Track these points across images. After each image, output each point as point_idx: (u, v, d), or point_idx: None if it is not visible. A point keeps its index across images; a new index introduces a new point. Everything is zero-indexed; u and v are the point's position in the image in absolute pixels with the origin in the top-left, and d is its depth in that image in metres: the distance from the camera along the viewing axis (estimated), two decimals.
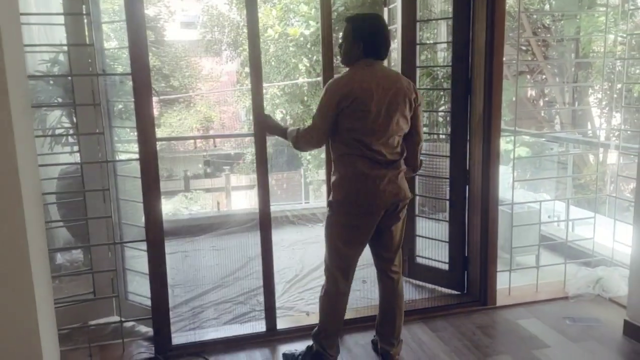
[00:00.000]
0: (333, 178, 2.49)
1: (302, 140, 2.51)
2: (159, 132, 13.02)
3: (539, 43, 9.32)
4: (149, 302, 2.84)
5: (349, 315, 3.19)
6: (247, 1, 2.77)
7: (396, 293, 2.66)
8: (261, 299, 3.54)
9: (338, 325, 2.67)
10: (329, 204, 2.52)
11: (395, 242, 2.60)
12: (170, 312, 2.93)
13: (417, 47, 3.53)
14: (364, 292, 3.65)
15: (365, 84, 2.34)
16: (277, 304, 3.45)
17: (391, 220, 2.53)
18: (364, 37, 2.39)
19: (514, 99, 8.50)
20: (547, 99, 11.16)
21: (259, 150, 2.88)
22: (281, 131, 2.68)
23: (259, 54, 2.83)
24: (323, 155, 5.11)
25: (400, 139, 2.48)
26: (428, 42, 5.42)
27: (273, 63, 10.53)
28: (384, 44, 2.44)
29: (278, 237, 4.80)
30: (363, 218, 2.46)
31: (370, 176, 2.40)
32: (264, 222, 2.98)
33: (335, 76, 2.48)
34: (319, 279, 3.54)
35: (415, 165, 2.60)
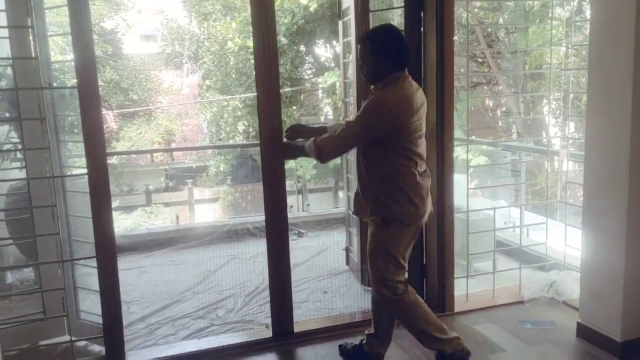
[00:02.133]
0: (384, 193, 2.45)
1: (332, 149, 2.45)
2: (119, 146, 12.78)
3: (494, 55, 9.59)
4: (101, 321, 2.76)
5: (309, 326, 3.19)
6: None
7: None
8: (220, 312, 3.50)
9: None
10: (384, 219, 2.48)
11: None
12: (125, 330, 2.86)
13: None
14: (325, 302, 3.65)
15: (414, 98, 2.37)
16: (236, 317, 3.43)
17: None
18: (389, 52, 2.37)
19: (472, 108, 8.71)
20: (503, 109, 11.47)
21: (265, 163, 2.91)
22: (302, 150, 2.58)
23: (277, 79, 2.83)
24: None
25: None
26: None
27: (234, 75, 10.52)
28: (408, 53, 2.46)
29: (238, 250, 4.77)
30: (415, 228, 2.54)
31: (424, 187, 2.49)
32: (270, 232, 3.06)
33: (385, 90, 2.38)
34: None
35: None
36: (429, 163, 3.25)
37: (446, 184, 3.26)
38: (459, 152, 5.67)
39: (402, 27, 3.38)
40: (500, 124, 10.78)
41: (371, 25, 3.53)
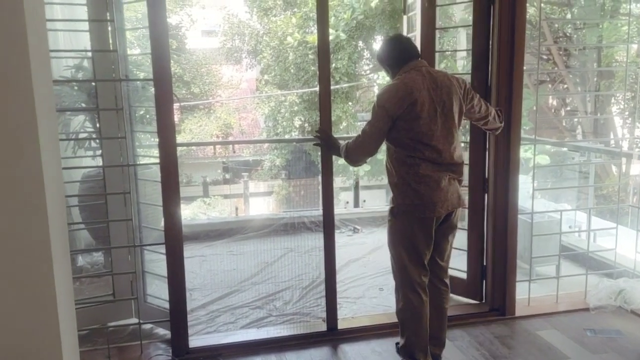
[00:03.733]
0: (393, 183, 2.53)
1: (353, 152, 2.57)
2: (180, 138, 13.18)
3: (561, 52, 9.22)
4: (167, 305, 2.87)
5: (364, 322, 3.20)
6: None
7: (447, 302, 2.74)
8: (278, 304, 3.56)
9: (425, 336, 2.61)
10: (391, 210, 2.55)
11: (449, 250, 2.66)
12: (188, 316, 2.95)
13: (437, 54, 3.53)
14: (381, 299, 3.64)
15: (417, 86, 2.41)
16: (294, 310, 3.48)
17: (449, 227, 2.58)
18: (388, 59, 2.58)
19: (534, 107, 8.42)
20: (568, 108, 11.03)
21: (324, 158, 2.95)
22: (338, 149, 2.71)
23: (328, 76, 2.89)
24: (340, 162, 5.09)
25: (459, 137, 2.55)
26: (448, 50, 5.39)
27: (292, 70, 10.60)
28: (408, 44, 2.58)
29: (295, 243, 4.83)
30: (425, 221, 2.48)
31: (433, 178, 2.44)
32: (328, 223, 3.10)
33: (386, 85, 2.53)
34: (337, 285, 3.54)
35: (499, 118, 2.79)
36: (493, 161, 3.22)
37: (511, 184, 3.18)
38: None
39: (466, 23, 3.32)
40: (564, 123, 10.38)
41: (437, 20, 3.47)
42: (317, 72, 2.89)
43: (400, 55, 2.55)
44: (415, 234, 2.50)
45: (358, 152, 2.57)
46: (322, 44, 2.85)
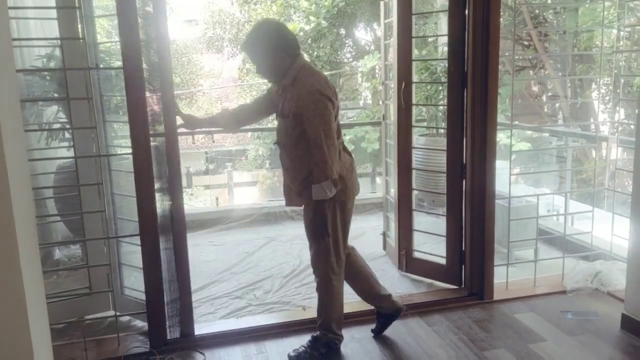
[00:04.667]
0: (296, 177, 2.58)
1: (326, 163, 2.38)
2: (161, 129, 13.03)
3: (541, 38, 9.26)
4: (144, 297, 2.84)
5: (345, 309, 3.20)
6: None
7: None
8: (258, 293, 3.55)
9: (342, 307, 2.80)
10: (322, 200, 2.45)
11: None
12: (166, 307, 2.93)
13: (414, 41, 3.51)
14: None
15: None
16: (274, 299, 3.47)
17: None
18: (287, 45, 2.43)
19: (517, 94, 8.44)
20: (550, 93, 11.11)
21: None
22: (324, 191, 2.43)
23: None
24: None
25: None
26: (425, 35, 5.38)
27: None
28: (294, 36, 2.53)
29: (276, 232, 4.81)
30: (352, 202, 2.65)
31: (352, 164, 2.65)
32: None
33: (305, 81, 2.40)
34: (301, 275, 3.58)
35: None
36: (470, 147, 3.23)
37: (488, 169, 3.19)
38: (500, 138, 5.52)
39: (445, 8, 3.31)
40: (545, 109, 10.45)
41: (414, 7, 3.45)
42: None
43: (295, 43, 2.47)
44: (349, 217, 2.65)
45: (332, 157, 2.38)
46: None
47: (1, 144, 1.68)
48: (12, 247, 1.76)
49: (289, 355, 2.74)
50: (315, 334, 2.77)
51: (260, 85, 11.34)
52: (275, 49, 2.40)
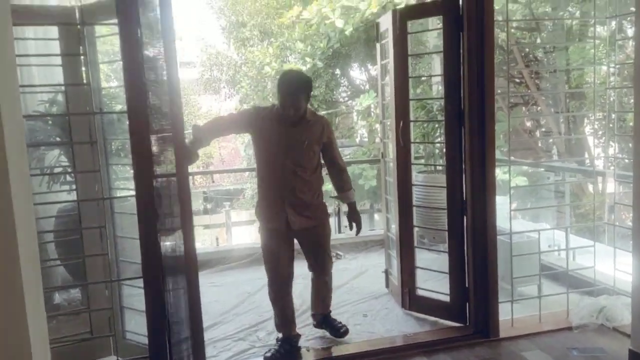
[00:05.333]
0: (320, 196, 3.17)
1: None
2: (159, 170, 13.08)
3: (532, 75, 9.46)
4: (147, 341, 2.79)
5: (350, 349, 3.16)
6: None
7: None
8: (261, 335, 3.50)
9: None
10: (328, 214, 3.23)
11: None
12: (170, 350, 2.88)
13: (410, 80, 3.59)
14: (365, 325, 3.60)
15: None
16: (275, 340, 3.41)
17: None
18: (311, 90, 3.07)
19: (510, 129, 8.55)
20: (543, 129, 11.26)
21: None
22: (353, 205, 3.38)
23: None
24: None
25: None
26: (421, 75, 5.49)
27: (270, 99, 10.68)
28: None
29: None
30: None
31: None
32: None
33: (319, 116, 3.19)
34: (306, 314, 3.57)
35: None
36: (470, 184, 3.26)
37: (488, 205, 3.21)
38: (497, 173, 5.55)
39: (439, 49, 3.40)
40: (539, 144, 10.57)
41: (410, 47, 3.54)
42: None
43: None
44: None
45: None
46: (171, 80, 2.87)
47: (9, 190, 1.69)
48: (19, 293, 1.75)
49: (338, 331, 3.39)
50: (327, 314, 3.46)
51: None
52: (310, 93, 3.02)
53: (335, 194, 3.39)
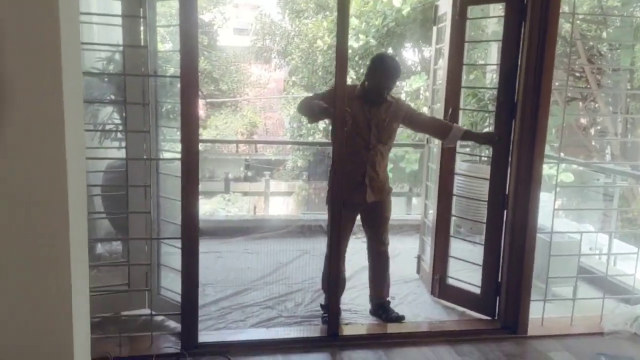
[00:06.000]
0: (387, 174, 3.34)
1: None
2: (206, 134, 13.33)
3: (594, 71, 9.05)
4: (179, 299, 2.90)
5: (375, 330, 3.20)
6: None
7: None
8: (289, 305, 3.58)
9: None
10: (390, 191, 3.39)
11: None
12: (200, 310, 2.99)
13: (464, 67, 3.51)
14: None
15: None
16: (303, 312, 3.49)
17: None
18: None
19: (564, 124, 8.22)
20: (599, 127, 10.81)
21: None
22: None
23: None
24: None
25: None
26: (476, 63, 5.36)
27: (320, 73, 10.65)
28: None
29: (310, 245, 4.83)
30: None
31: None
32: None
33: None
34: (349, 290, 3.57)
35: None
36: (515, 177, 3.19)
37: (531, 201, 3.14)
38: (544, 168, 5.38)
39: (497, 36, 3.30)
40: (593, 143, 10.17)
41: (467, 34, 3.45)
42: (335, 75, 2.93)
43: None
44: None
45: None
46: (340, 47, 2.88)
47: (64, 143, 1.77)
48: (65, 241, 1.84)
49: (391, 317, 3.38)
50: (385, 300, 3.46)
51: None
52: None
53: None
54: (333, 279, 3.13)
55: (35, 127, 1.74)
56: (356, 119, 3.09)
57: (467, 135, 3.40)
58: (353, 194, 3.19)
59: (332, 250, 3.11)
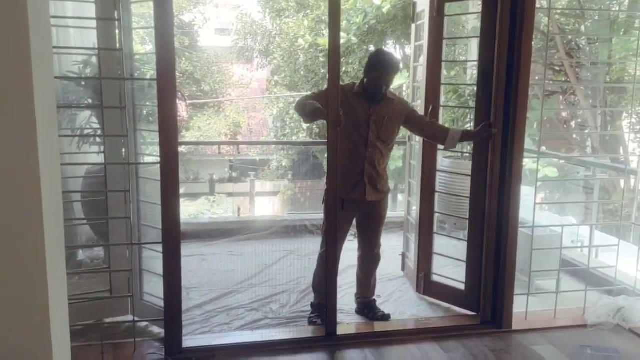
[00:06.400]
0: (386, 173, 3.29)
1: None
2: (189, 135, 13.23)
3: (572, 65, 9.15)
4: (163, 304, 2.87)
5: (361, 329, 3.20)
6: None
7: None
8: (274, 307, 3.56)
9: None
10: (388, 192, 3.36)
11: None
12: (183, 315, 2.96)
13: (443, 64, 3.52)
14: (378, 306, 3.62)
15: None
16: (289, 313, 3.48)
17: None
18: None
19: (545, 118, 8.31)
20: (579, 120, 10.93)
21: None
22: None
23: None
24: None
25: None
26: (455, 60, 5.38)
27: (302, 72, 10.62)
28: None
29: (295, 246, 4.82)
30: None
31: None
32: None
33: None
34: None
35: None
36: (495, 173, 3.21)
37: (512, 195, 3.16)
38: (526, 162, 5.41)
39: (477, 33, 3.32)
40: (574, 136, 10.28)
41: (446, 31, 3.46)
42: (327, 74, 2.91)
43: None
44: None
45: None
46: (332, 45, 2.86)
47: (36, 149, 1.73)
48: (40, 248, 1.80)
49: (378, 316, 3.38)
50: (371, 300, 3.48)
51: (288, 98, 11.44)
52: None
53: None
54: (330, 279, 3.08)
55: (5, 133, 1.70)
56: (355, 115, 3.09)
57: (465, 136, 3.30)
58: (352, 192, 3.17)
59: (329, 250, 3.07)
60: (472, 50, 7.08)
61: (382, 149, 3.21)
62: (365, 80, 3.17)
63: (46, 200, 1.81)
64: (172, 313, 2.85)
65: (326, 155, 3.04)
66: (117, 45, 2.94)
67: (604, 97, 8.95)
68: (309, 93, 3.31)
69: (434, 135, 3.33)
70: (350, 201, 3.18)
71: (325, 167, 3.45)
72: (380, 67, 3.10)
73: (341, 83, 3.05)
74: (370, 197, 3.22)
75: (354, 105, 3.12)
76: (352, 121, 3.08)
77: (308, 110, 2.94)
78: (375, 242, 3.41)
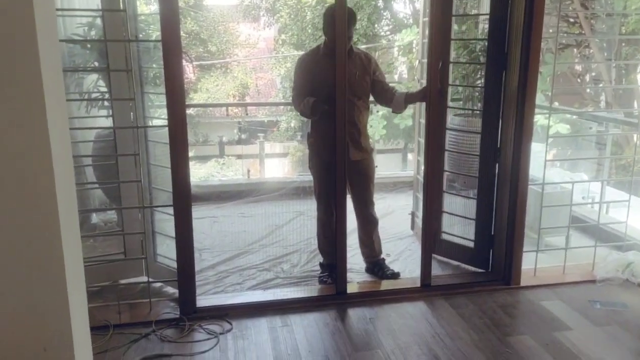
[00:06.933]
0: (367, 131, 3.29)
1: None
2: (197, 97, 13.17)
3: (587, 16, 8.89)
4: (176, 265, 2.93)
5: (372, 287, 3.24)
6: None
7: None
8: (285, 267, 3.62)
9: None
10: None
11: None
12: (197, 276, 3.02)
13: (453, 18, 3.43)
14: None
15: None
16: (300, 273, 3.53)
17: None
18: None
19: (558, 72, 8.12)
20: (593, 74, 10.70)
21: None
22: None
23: None
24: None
25: None
26: (465, 14, 5.24)
27: (310, 30, 10.44)
28: None
29: (305, 207, 4.83)
30: None
31: None
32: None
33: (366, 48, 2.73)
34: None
35: None
36: (506, 130, 3.17)
37: (522, 152, 3.13)
38: (538, 119, 5.35)
39: None
40: (588, 90, 10.09)
41: None
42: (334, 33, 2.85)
43: None
44: None
45: None
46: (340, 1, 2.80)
47: (45, 114, 1.73)
48: (53, 213, 1.83)
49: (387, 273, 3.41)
50: (380, 258, 3.50)
51: (295, 57, 11.28)
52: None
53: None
54: (340, 240, 3.10)
55: (13, 99, 1.70)
56: (327, 77, 3.00)
57: (409, 98, 3.25)
58: (333, 153, 3.11)
59: (337, 213, 3.07)
60: (484, 2, 6.90)
61: (360, 106, 3.21)
62: (327, 39, 3.13)
63: (57, 163, 1.82)
64: (185, 274, 2.90)
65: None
66: (121, 5, 2.89)
67: (619, 50, 8.73)
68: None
69: (380, 96, 3.30)
70: (336, 162, 3.12)
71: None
72: (333, 21, 2.95)
73: (304, 52, 3.04)
74: (354, 157, 3.22)
75: (325, 67, 3.04)
76: (325, 83, 3.01)
77: (307, 106, 3.05)
78: (367, 201, 3.41)
